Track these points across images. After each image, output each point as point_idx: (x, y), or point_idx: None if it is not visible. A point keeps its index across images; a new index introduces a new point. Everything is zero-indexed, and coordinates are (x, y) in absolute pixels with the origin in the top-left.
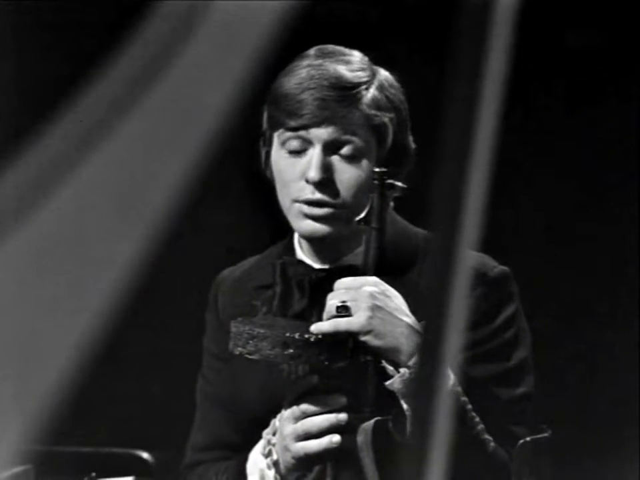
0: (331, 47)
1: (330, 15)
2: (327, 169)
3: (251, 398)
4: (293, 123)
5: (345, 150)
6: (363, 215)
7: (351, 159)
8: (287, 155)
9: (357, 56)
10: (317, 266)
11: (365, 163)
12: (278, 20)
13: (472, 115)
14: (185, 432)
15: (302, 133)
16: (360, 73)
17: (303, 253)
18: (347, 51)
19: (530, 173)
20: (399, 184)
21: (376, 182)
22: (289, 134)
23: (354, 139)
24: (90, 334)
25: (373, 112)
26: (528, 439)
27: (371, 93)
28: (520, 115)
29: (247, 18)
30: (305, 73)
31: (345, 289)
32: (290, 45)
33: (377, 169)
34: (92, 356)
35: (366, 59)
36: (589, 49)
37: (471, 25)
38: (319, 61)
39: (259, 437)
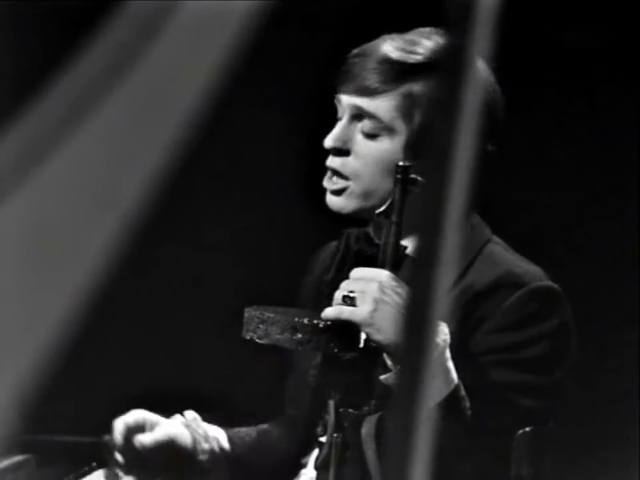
0: (423, 29)
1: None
2: (345, 138)
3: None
4: (337, 88)
5: (368, 124)
6: (383, 208)
7: (372, 134)
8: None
9: (429, 42)
10: (377, 241)
11: (387, 142)
12: (247, 19)
13: (454, 123)
14: None
15: (340, 98)
16: (413, 56)
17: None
18: (427, 35)
19: (528, 172)
20: (422, 179)
21: (399, 176)
22: (336, 100)
23: (378, 115)
24: (65, 325)
25: (406, 97)
26: (527, 429)
27: (417, 78)
28: (520, 115)
29: (216, 17)
30: (368, 45)
31: (356, 279)
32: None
33: (400, 163)
34: (93, 347)
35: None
36: (589, 48)
37: (454, 24)
38: (392, 36)
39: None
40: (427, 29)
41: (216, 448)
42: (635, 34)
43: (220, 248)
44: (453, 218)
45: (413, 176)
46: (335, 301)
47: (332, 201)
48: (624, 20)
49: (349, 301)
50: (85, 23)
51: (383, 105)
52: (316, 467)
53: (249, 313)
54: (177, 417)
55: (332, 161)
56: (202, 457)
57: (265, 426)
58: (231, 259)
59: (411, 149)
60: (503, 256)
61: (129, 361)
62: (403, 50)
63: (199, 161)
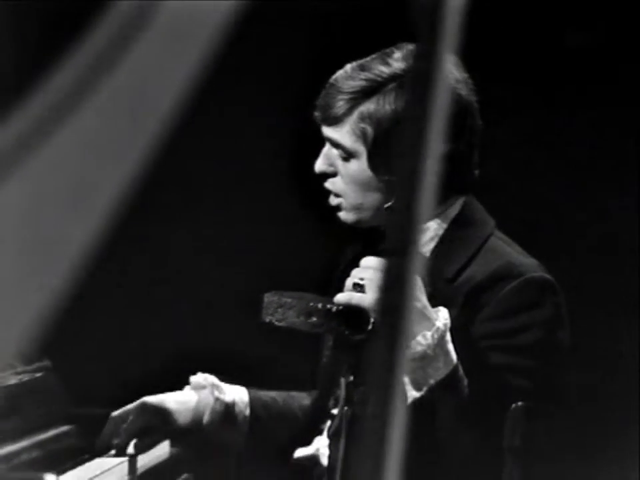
0: (387, 49)
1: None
2: (329, 162)
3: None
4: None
5: (339, 149)
6: (391, 202)
7: (344, 157)
8: None
9: (379, 65)
10: None
11: (356, 163)
12: (228, 20)
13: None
14: None
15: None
16: (359, 82)
17: None
18: (381, 57)
19: (527, 171)
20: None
21: None
22: None
23: (342, 143)
24: (49, 312)
25: (359, 121)
26: (519, 403)
27: (365, 104)
28: (519, 114)
29: (196, 18)
30: (333, 75)
31: (366, 267)
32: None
33: None
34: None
35: (386, 71)
36: (588, 48)
37: (422, 26)
38: (351, 64)
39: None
40: (389, 49)
41: (234, 410)
42: (634, 34)
43: (235, 241)
44: (424, 211)
45: None
46: (345, 288)
47: (338, 214)
48: (623, 20)
49: (358, 288)
50: (68, 23)
51: (343, 134)
52: (329, 436)
53: (268, 298)
54: (193, 378)
55: (326, 182)
56: (210, 419)
57: (294, 393)
58: (248, 249)
59: (374, 165)
60: (503, 249)
61: (156, 341)
62: (351, 78)
63: (200, 155)
